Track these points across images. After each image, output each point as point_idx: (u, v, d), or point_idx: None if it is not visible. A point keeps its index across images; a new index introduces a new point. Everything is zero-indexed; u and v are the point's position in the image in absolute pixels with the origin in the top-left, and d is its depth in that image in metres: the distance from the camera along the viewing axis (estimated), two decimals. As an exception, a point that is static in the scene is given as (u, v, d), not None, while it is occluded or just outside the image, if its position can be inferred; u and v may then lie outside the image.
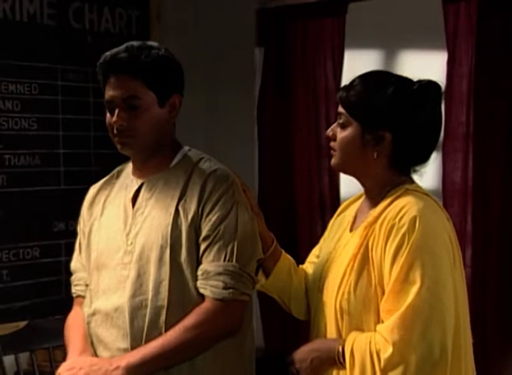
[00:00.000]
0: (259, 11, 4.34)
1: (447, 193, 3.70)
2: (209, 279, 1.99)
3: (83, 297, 2.22)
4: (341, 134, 1.93)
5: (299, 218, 4.25)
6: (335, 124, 1.97)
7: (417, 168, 1.95)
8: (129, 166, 2.20)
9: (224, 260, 2.00)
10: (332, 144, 1.96)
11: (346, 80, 4.07)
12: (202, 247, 2.01)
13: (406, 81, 1.92)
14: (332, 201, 4.16)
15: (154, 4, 4.11)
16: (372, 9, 3.98)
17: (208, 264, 2.00)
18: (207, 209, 2.01)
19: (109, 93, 2.05)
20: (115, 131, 2.05)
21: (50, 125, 3.65)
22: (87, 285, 2.21)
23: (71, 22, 3.75)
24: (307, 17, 4.18)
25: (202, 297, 2.01)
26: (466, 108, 3.66)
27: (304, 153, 4.23)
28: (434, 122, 1.93)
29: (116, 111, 2.04)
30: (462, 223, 3.64)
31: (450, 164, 3.71)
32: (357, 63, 4.03)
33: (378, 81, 1.93)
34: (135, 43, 2.08)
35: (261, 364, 2.27)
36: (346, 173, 1.99)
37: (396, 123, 1.88)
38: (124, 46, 2.06)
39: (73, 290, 2.27)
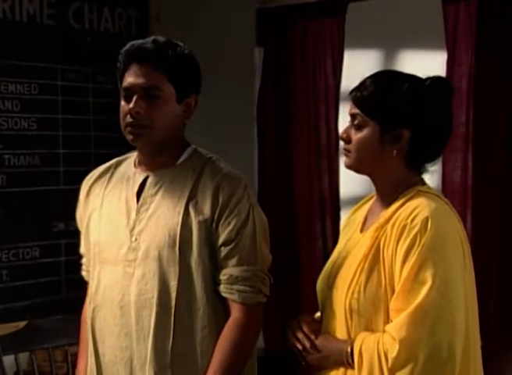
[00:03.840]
0: (259, 11, 4.34)
1: (447, 193, 3.69)
2: (235, 283, 2.01)
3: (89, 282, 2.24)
4: (357, 135, 1.91)
5: (299, 218, 4.25)
6: (347, 126, 1.95)
7: (430, 165, 1.96)
8: (131, 157, 2.18)
9: (248, 264, 2.02)
10: (346, 146, 1.95)
11: (345, 79, 4.12)
12: (224, 251, 2.02)
13: (417, 78, 1.93)
14: (332, 201, 4.16)
15: (154, 4, 4.12)
16: (372, 9, 3.98)
17: (232, 269, 2.02)
18: (225, 214, 2.01)
19: (129, 80, 2.03)
20: (128, 119, 2.02)
21: (50, 125, 3.65)
22: (88, 271, 2.22)
23: (71, 22, 3.75)
24: (306, 17, 4.18)
25: (211, 299, 2.02)
26: (466, 108, 3.66)
27: (303, 153, 4.23)
28: (448, 116, 1.94)
29: (135, 98, 2.01)
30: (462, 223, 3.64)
31: (450, 164, 3.71)
32: (356, 63, 4.03)
33: (390, 80, 1.93)
34: (162, 38, 2.09)
35: (261, 364, 2.27)
36: (360, 172, 1.98)
37: (414, 120, 1.88)
38: (151, 38, 2.06)
39: (83, 273, 2.28)
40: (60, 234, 3.64)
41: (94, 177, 2.22)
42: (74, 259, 2.34)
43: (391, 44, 4.06)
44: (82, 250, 2.27)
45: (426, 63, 3.73)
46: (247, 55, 4.37)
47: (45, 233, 3.62)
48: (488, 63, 3.59)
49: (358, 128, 1.91)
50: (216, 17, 4.39)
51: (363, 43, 4.14)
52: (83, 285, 2.26)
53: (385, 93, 1.89)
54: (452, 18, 3.69)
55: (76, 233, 2.28)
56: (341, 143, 1.99)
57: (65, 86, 3.70)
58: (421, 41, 3.93)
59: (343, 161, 2.02)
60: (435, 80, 1.92)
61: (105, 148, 3.59)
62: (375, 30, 4.03)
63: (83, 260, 2.27)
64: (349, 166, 1.96)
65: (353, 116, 1.93)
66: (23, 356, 3.06)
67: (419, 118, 1.88)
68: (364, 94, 1.90)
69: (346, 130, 1.95)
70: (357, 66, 3.95)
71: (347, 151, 1.95)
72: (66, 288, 3.68)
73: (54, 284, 3.63)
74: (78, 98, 3.75)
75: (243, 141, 4.37)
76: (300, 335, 1.99)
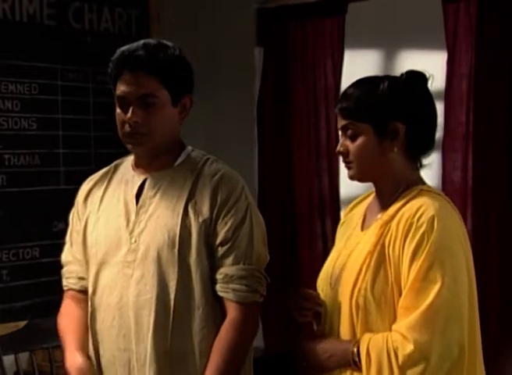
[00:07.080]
0: (259, 11, 4.34)
1: (447, 193, 3.66)
2: (231, 282, 2.01)
3: (75, 290, 2.20)
4: (355, 144, 1.92)
5: (298, 218, 4.25)
6: (342, 139, 1.96)
7: (426, 157, 1.99)
8: (128, 160, 2.18)
9: (244, 263, 2.02)
10: (346, 159, 1.95)
11: (345, 79, 4.12)
12: (220, 251, 2.02)
13: (393, 76, 1.98)
14: (331, 202, 4.16)
15: (154, 4, 4.12)
16: (372, 9, 3.98)
17: (228, 268, 2.02)
18: (222, 213, 2.02)
19: (122, 89, 2.02)
20: (127, 129, 2.02)
21: (50, 125, 3.65)
22: (79, 278, 2.19)
23: (71, 22, 3.75)
24: (306, 17, 4.18)
25: (209, 299, 2.02)
26: (466, 108, 3.66)
27: (303, 153, 4.23)
28: (431, 104, 1.97)
29: (131, 108, 2.01)
30: (462, 223, 3.64)
31: (450, 164, 3.71)
32: (356, 63, 4.03)
33: (370, 82, 1.97)
34: (152, 41, 2.08)
35: (261, 364, 2.27)
36: (364, 181, 1.99)
37: (403, 111, 1.91)
38: (141, 43, 2.04)
39: (65, 282, 2.23)
40: (60, 234, 3.58)
41: (92, 182, 2.21)
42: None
43: (391, 44, 4.06)
44: (65, 258, 2.23)
45: (426, 63, 3.72)
46: (247, 55, 4.38)
47: (45, 233, 3.62)
48: (488, 63, 3.59)
49: (353, 138, 1.93)
50: (216, 17, 4.39)
51: (363, 43, 4.14)
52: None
53: (369, 94, 1.92)
54: (452, 18, 3.69)
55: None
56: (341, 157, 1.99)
57: (65, 86, 3.70)
58: (421, 41, 3.93)
59: (343, 166, 2.01)
60: (410, 72, 1.96)
61: (105, 148, 3.59)
62: (375, 30, 4.03)
63: (67, 268, 2.22)
64: (352, 177, 1.97)
65: (344, 128, 1.94)
66: (23, 356, 3.06)
67: (408, 108, 1.91)
68: (349, 104, 1.93)
69: (343, 144, 1.95)
70: (357, 66, 3.95)
71: (349, 164, 1.95)
72: (66, 288, 3.67)
73: (54, 284, 3.60)
74: (78, 98, 3.75)
75: (243, 141, 4.38)
76: (308, 305, 2.00)
